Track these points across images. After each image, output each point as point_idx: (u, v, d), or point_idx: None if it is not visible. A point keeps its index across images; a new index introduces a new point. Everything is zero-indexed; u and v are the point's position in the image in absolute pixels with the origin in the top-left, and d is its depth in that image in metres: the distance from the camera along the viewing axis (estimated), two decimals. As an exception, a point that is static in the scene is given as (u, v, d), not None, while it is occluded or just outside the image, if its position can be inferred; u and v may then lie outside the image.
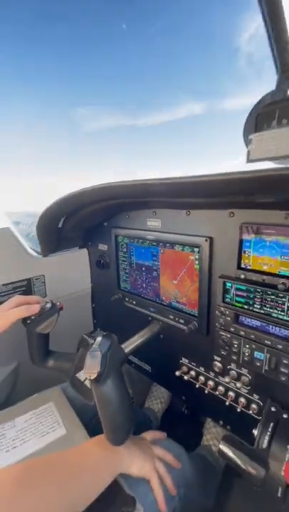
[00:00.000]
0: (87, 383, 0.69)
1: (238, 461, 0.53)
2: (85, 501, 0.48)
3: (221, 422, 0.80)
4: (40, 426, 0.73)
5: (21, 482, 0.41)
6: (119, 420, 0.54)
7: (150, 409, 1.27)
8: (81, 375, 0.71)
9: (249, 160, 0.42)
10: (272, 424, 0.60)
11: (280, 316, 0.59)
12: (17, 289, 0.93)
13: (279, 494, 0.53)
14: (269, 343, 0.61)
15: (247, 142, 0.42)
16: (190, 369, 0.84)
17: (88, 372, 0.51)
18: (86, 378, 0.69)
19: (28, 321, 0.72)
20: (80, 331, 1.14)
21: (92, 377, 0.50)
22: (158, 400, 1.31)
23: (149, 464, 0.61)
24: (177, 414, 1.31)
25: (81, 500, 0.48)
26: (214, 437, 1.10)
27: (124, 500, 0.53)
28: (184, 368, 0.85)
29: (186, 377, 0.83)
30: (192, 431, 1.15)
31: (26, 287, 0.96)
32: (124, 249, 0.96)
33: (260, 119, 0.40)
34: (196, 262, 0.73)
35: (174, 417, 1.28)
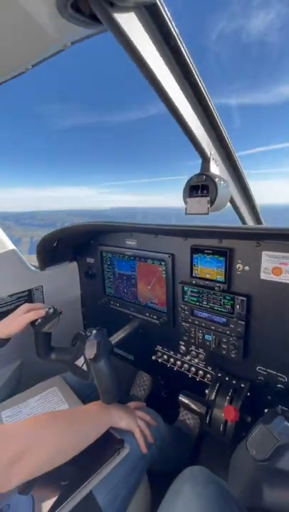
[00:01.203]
0: (84, 367, 0.91)
1: (191, 405, 0.78)
2: (87, 441, 0.71)
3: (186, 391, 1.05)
4: (48, 404, 0.94)
5: (47, 421, 0.63)
6: (110, 386, 0.77)
7: (135, 395, 1.50)
8: (79, 362, 0.94)
9: (186, 213, 0.67)
10: (217, 384, 0.86)
11: (219, 309, 0.85)
12: (20, 298, 1.13)
13: (220, 429, 0.79)
14: (214, 328, 0.87)
15: (185, 202, 0.67)
16: (163, 353, 1.09)
17: (88, 354, 0.74)
18: (83, 363, 0.92)
19: (36, 323, 0.93)
20: (72, 330, 1.37)
21: (91, 357, 0.73)
22: (141, 387, 1.54)
23: (133, 420, 0.84)
24: (158, 398, 1.55)
25: (84, 440, 0.70)
26: (188, 413, 1.35)
27: (116, 442, 0.77)
28: (159, 353, 1.10)
29: (160, 360, 1.08)
30: (171, 411, 1.40)
31: (28, 296, 1.16)
32: (108, 262, 1.19)
33: (191, 189, 0.66)
34: (163, 272, 0.99)
35: (156, 401, 1.52)
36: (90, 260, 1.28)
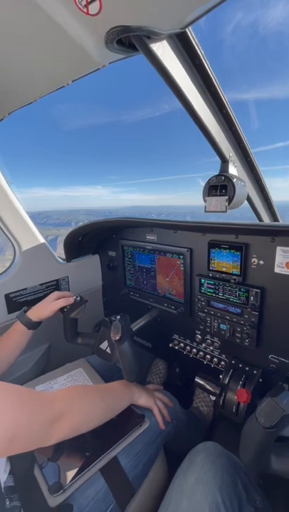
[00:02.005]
0: (108, 350, 1.01)
1: (206, 385, 0.85)
2: (112, 413, 0.80)
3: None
4: (75, 382, 1.04)
5: (80, 392, 0.72)
6: (132, 366, 0.86)
7: (151, 383, 1.59)
8: (103, 345, 1.03)
9: (206, 211, 0.74)
10: (231, 370, 0.93)
11: (234, 300, 0.91)
12: (49, 287, 1.24)
13: (233, 410, 0.86)
14: (228, 318, 0.93)
15: (204, 200, 0.74)
16: (179, 342, 1.17)
17: (113, 336, 0.82)
18: (107, 346, 1.01)
19: (65, 310, 1.03)
20: (94, 317, 1.47)
21: (116, 339, 0.82)
22: (157, 375, 1.63)
23: (151, 399, 0.92)
24: (173, 386, 1.63)
25: (110, 411, 0.79)
26: (201, 401, 1.42)
27: (137, 416, 0.86)
28: (175, 341, 1.18)
29: (176, 347, 1.15)
30: (185, 398, 1.47)
31: (56, 286, 1.27)
32: (129, 256, 1.27)
33: (210, 188, 0.72)
34: (182, 265, 1.05)
35: (171, 389, 1.60)
36: (112, 253, 1.37)
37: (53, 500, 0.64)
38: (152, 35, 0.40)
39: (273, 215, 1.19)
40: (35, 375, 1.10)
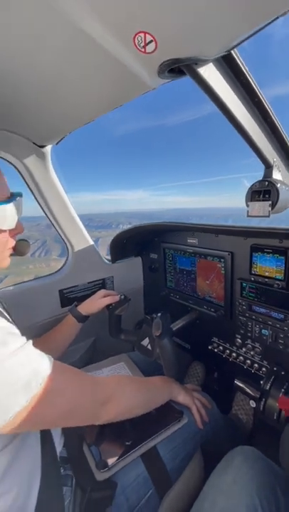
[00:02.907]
0: (149, 347, 1.07)
1: (246, 389, 0.86)
2: (153, 404, 0.85)
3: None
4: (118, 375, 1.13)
5: (127, 380, 0.79)
6: (172, 361, 0.90)
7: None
8: (144, 342, 1.09)
9: (248, 215, 0.75)
10: (273, 377, 0.91)
11: (277, 305, 0.90)
12: (96, 285, 1.35)
13: (274, 417, 0.85)
14: (271, 323, 0.92)
15: (247, 205, 0.75)
16: (219, 344, 1.17)
17: (155, 332, 0.88)
18: (148, 343, 1.07)
19: (110, 307, 1.12)
20: (135, 316, 1.54)
21: (157, 334, 0.88)
22: (194, 378, 1.64)
23: (190, 397, 0.95)
24: (211, 390, 1.62)
25: (151, 402, 0.84)
26: (241, 408, 1.40)
27: (176, 412, 0.89)
28: (214, 344, 1.19)
29: (215, 350, 1.16)
30: (223, 404, 1.45)
31: (102, 284, 1.38)
32: (170, 258, 1.32)
33: (253, 193, 0.74)
34: (222, 269, 1.07)
35: (208, 393, 1.60)
36: (154, 256, 1.43)
37: (100, 475, 0.71)
38: (200, 62, 0.45)
39: None
40: (82, 365, 1.21)
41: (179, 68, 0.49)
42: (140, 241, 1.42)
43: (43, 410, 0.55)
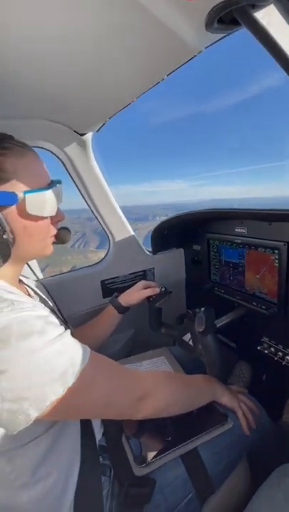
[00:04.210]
0: (190, 342, 1.01)
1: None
2: (193, 404, 0.79)
3: None
4: (158, 369, 1.09)
5: (165, 376, 0.75)
6: (215, 360, 0.84)
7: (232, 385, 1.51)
8: (186, 337, 1.04)
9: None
10: None
11: None
12: (137, 276, 1.33)
13: None
14: None
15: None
16: (270, 346, 1.05)
17: (197, 328, 0.82)
18: (190, 339, 1.01)
19: (151, 299, 1.09)
20: (176, 310, 1.49)
21: (200, 331, 0.81)
22: (240, 378, 1.52)
23: (235, 399, 0.87)
24: (258, 393, 1.50)
25: (191, 402, 0.79)
26: (294, 417, 1.26)
27: (220, 415, 0.83)
28: (265, 345, 1.07)
29: (266, 351, 1.05)
30: (272, 410, 1.32)
31: (142, 276, 1.35)
32: (215, 250, 1.23)
33: None
34: (276, 261, 0.94)
35: (256, 396, 1.48)
36: (197, 247, 1.35)
37: (138, 470, 0.69)
38: (258, 2, 0.37)
39: None
40: (122, 356, 1.21)
41: (232, 18, 0.41)
42: (182, 232, 1.35)
43: (78, 401, 0.54)
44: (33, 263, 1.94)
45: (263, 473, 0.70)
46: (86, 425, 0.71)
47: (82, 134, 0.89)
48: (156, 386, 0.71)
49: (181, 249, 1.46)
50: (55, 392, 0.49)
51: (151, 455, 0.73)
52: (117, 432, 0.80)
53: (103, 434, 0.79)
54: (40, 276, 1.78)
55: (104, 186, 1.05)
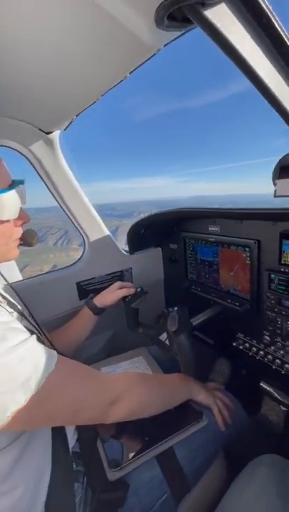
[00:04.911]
0: (167, 342, 1.01)
1: (274, 393, 0.76)
2: (169, 404, 0.79)
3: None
4: (136, 369, 1.09)
5: (139, 378, 0.75)
6: (189, 359, 0.84)
7: (213, 382, 1.53)
8: (162, 337, 1.04)
9: (275, 195, 0.64)
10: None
11: (312, 300, 0.78)
12: (114, 277, 1.32)
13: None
14: (304, 320, 0.81)
15: (274, 183, 0.64)
16: (244, 341, 1.08)
17: (170, 327, 0.82)
18: (166, 338, 1.01)
19: (126, 299, 1.07)
20: (156, 309, 1.48)
21: (173, 330, 0.81)
22: (220, 374, 1.55)
23: (211, 397, 0.88)
24: (237, 388, 1.52)
25: (166, 402, 0.79)
26: (271, 409, 1.29)
27: (195, 412, 0.83)
28: (240, 341, 1.09)
29: (241, 347, 1.07)
30: (251, 404, 1.35)
31: (120, 276, 1.34)
32: (191, 248, 1.24)
33: (282, 170, 0.62)
34: (247, 259, 0.96)
35: (235, 392, 1.50)
36: (173, 246, 1.36)
37: (112, 475, 0.68)
38: (207, 0, 0.36)
39: None
40: (101, 358, 1.20)
41: (183, 16, 0.40)
42: (159, 231, 1.35)
43: (45, 409, 0.52)
44: (12, 264, 1.87)
45: (240, 468, 0.71)
46: (59, 432, 0.69)
47: (49, 133, 0.86)
48: (128, 389, 0.70)
49: (159, 249, 1.46)
50: (16, 401, 0.47)
51: (126, 458, 0.72)
52: (92, 436, 0.79)
53: (77, 440, 0.77)
54: (20, 277, 1.72)
55: (75, 185, 1.03)
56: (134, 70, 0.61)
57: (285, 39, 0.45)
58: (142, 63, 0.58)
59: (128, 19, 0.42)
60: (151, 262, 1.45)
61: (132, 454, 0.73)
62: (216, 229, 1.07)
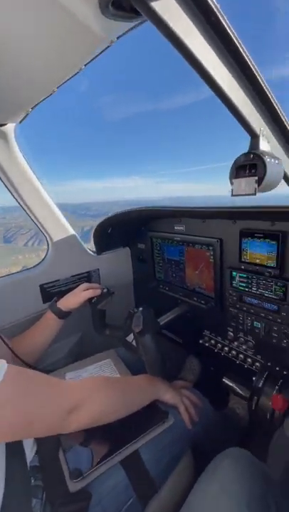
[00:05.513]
0: (134, 343, 0.99)
1: (236, 388, 0.78)
2: (134, 407, 0.78)
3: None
4: (103, 373, 1.06)
5: (101, 383, 0.72)
6: (155, 360, 0.83)
7: (184, 379, 1.54)
8: (129, 338, 1.02)
9: (232, 195, 0.65)
10: (266, 373, 0.83)
11: (269, 295, 0.81)
12: (81, 278, 1.27)
13: (267, 417, 0.77)
14: (263, 315, 0.84)
15: (231, 183, 0.66)
16: (210, 338, 1.10)
17: (135, 328, 0.80)
18: (133, 339, 0.99)
19: (92, 301, 1.04)
20: (126, 310, 1.46)
21: (137, 331, 0.80)
22: (190, 371, 1.57)
23: (178, 396, 0.88)
24: (207, 384, 1.55)
25: (131, 405, 0.77)
26: (238, 402, 1.33)
27: (161, 412, 0.83)
28: (206, 338, 1.11)
29: (207, 344, 1.09)
30: (220, 399, 1.39)
31: (87, 278, 1.30)
32: (158, 248, 1.24)
33: (238, 169, 0.64)
34: (211, 257, 0.98)
35: (205, 387, 1.53)
36: (141, 246, 1.35)
37: (73, 486, 0.65)
38: (153, -9, 0.35)
39: None
40: (69, 363, 1.15)
41: (131, 6, 0.39)
42: (127, 230, 1.33)
43: None
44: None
45: (207, 464, 0.71)
46: (14, 445, 0.64)
47: (2, 125, 0.80)
48: (89, 394, 0.67)
49: (127, 249, 1.44)
50: None
51: (88, 466, 0.69)
52: (53, 447, 0.75)
53: (36, 453, 0.73)
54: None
55: (35, 183, 0.97)
56: (90, 61, 0.59)
57: (232, 37, 0.45)
58: (97, 55, 0.56)
59: (75, 7, 0.39)
60: (119, 263, 1.43)
61: (95, 461, 0.71)
62: (181, 228, 1.08)
